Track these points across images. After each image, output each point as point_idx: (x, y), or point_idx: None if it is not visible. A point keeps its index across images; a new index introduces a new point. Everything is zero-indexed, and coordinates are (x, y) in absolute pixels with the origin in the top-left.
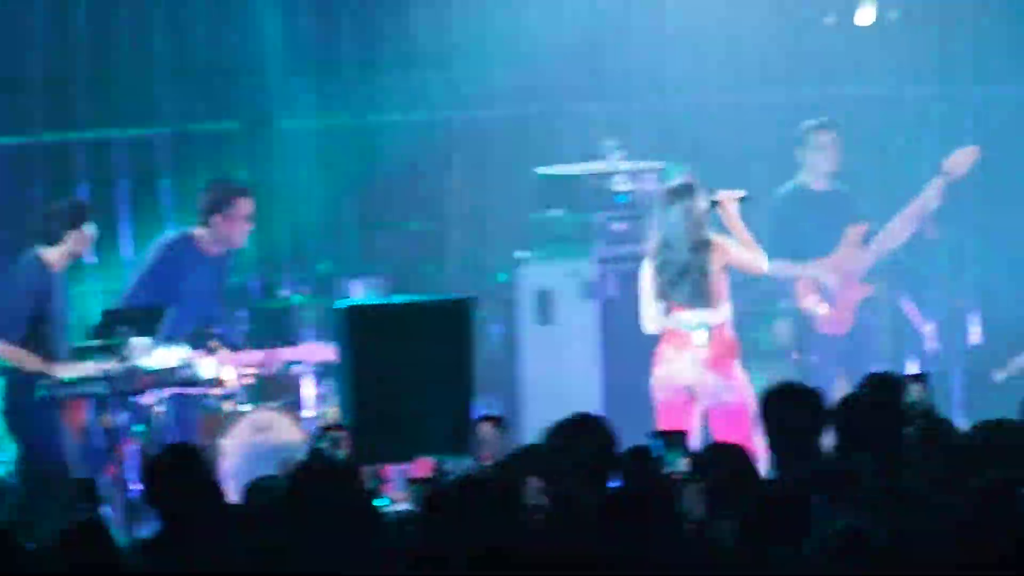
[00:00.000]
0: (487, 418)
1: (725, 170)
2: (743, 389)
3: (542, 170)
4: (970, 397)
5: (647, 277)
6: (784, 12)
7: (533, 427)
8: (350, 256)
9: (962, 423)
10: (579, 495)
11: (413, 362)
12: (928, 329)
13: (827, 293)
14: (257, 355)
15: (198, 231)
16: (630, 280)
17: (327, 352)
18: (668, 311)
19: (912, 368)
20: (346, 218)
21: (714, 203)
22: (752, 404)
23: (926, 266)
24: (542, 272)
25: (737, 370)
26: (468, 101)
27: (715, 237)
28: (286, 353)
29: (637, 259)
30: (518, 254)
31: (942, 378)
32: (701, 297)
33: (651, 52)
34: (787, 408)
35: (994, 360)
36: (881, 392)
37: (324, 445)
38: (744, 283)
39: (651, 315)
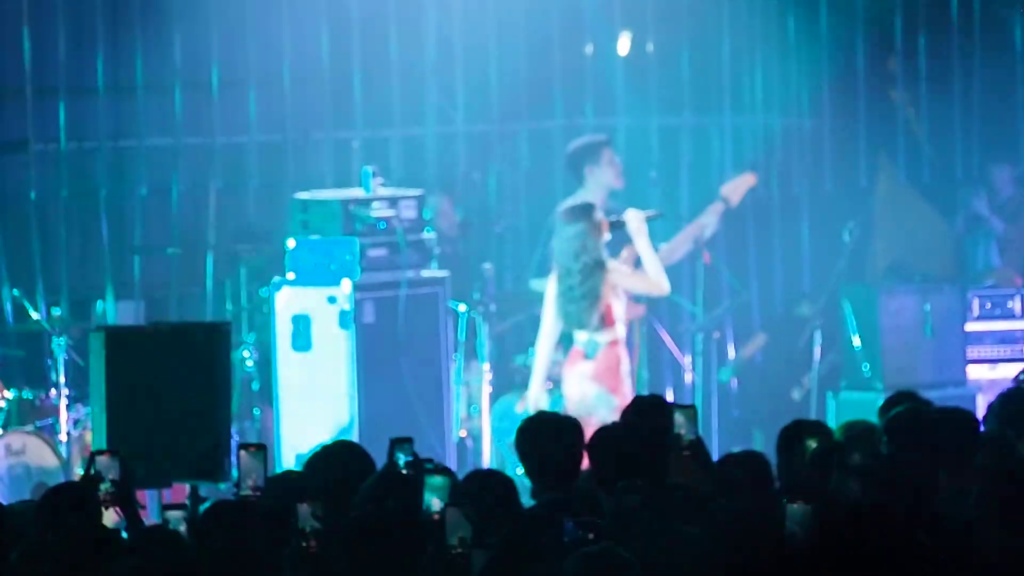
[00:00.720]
0: (246, 446)
1: (477, 197)
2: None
3: (300, 195)
4: (723, 427)
5: (550, 297)
6: (541, 43)
7: (290, 452)
8: (106, 280)
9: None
10: (341, 521)
11: (169, 387)
12: (687, 361)
13: None
14: None
15: None
16: (387, 306)
17: None
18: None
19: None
20: (102, 242)
21: (620, 224)
22: None
23: (681, 296)
24: (299, 297)
25: (625, 387)
26: (225, 126)
27: (610, 261)
28: None
29: (394, 286)
30: (276, 279)
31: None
32: (593, 318)
33: (407, 81)
34: (544, 437)
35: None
36: (648, 418)
37: (94, 471)
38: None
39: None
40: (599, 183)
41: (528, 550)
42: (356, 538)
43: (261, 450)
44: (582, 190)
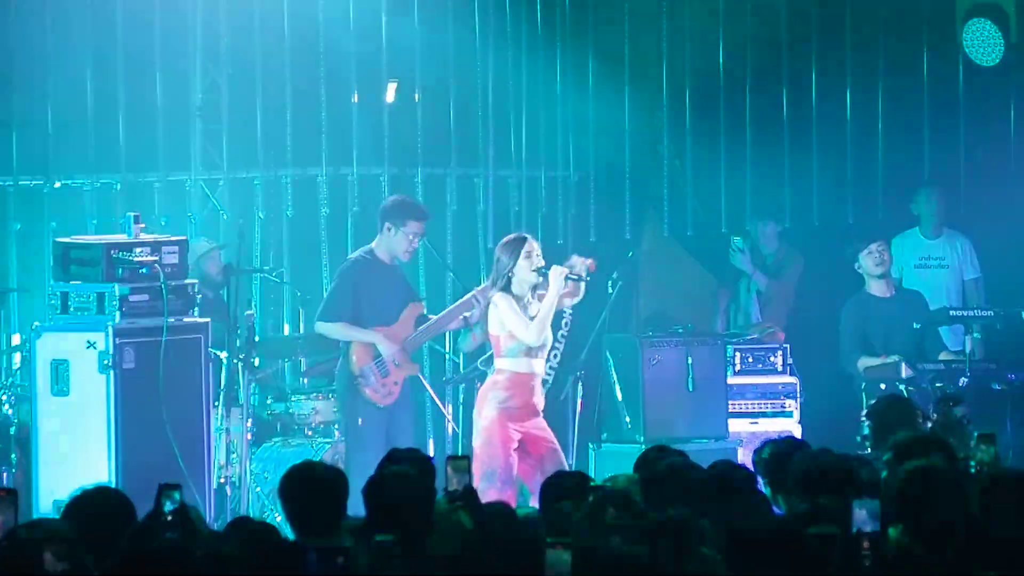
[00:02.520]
0: None
1: (241, 244)
2: (482, 430)
3: (61, 239)
4: None
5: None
6: (307, 90)
7: (47, 497)
8: None
9: None
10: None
11: None
12: (448, 410)
13: (381, 363)
14: None
15: None
16: (148, 352)
17: None
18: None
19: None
20: None
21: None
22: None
23: (444, 347)
24: (59, 342)
25: (484, 409)
26: None
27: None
28: None
29: (155, 332)
30: (36, 324)
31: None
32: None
33: (171, 126)
34: (309, 485)
35: None
36: (416, 470)
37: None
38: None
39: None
40: (390, 245)
41: None
42: None
43: (11, 495)
44: (374, 242)
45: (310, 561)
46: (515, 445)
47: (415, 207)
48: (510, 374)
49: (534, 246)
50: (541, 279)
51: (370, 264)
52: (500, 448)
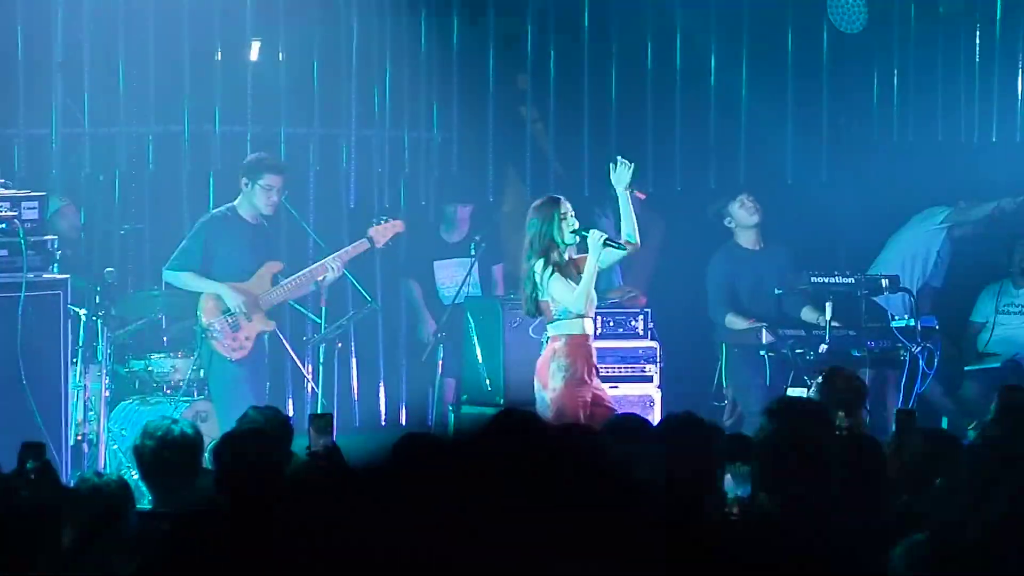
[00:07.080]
0: None
1: (101, 200)
2: (552, 403)
3: None
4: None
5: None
6: (170, 47)
7: None
8: None
9: None
10: None
11: None
12: (309, 370)
13: (231, 317)
14: None
15: None
16: (5, 309)
17: None
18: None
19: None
20: None
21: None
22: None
23: (306, 308)
24: None
25: (550, 382)
26: None
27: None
28: None
29: (13, 288)
30: None
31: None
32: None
33: (33, 81)
34: (161, 446)
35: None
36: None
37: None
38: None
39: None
40: (249, 200)
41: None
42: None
43: None
44: (236, 199)
45: (131, 523)
46: (586, 407)
47: (269, 161)
48: (567, 339)
49: (568, 207)
50: (578, 240)
51: (228, 220)
52: (573, 417)
